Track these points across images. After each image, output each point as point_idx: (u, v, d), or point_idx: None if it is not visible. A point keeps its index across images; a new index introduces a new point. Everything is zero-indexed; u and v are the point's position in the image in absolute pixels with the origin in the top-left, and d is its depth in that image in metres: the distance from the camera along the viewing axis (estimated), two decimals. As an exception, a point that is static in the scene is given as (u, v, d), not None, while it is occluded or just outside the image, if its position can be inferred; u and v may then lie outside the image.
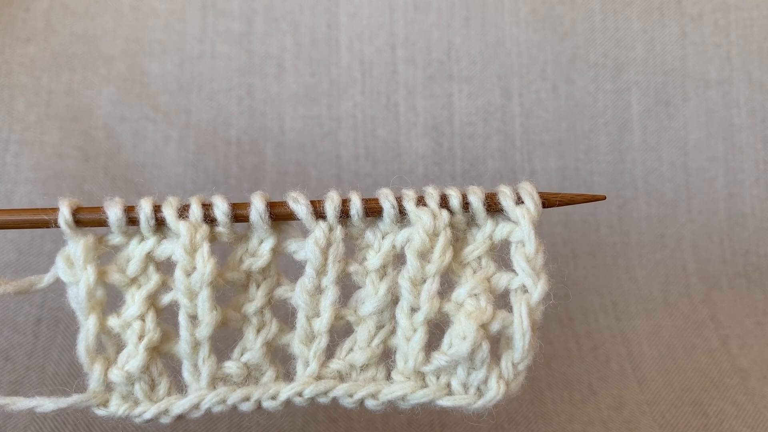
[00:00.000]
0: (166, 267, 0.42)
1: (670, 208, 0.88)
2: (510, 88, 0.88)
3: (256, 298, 0.43)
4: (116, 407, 0.43)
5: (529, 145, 0.87)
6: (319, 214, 0.41)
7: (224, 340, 0.44)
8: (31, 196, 0.80)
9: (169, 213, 0.41)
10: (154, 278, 0.42)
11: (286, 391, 0.43)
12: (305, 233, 0.42)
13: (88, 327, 0.41)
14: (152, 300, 0.42)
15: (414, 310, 0.43)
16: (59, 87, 0.85)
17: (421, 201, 0.42)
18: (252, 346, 0.44)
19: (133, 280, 0.42)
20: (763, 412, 0.75)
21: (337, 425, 0.75)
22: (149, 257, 0.42)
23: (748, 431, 0.73)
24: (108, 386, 0.42)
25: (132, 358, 0.42)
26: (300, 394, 0.43)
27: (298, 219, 0.41)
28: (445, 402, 0.43)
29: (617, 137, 0.88)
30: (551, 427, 0.74)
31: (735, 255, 0.88)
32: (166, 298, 0.42)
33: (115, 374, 0.42)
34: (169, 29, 0.87)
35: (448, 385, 0.44)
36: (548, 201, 0.43)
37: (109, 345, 0.43)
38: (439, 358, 0.43)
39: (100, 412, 0.43)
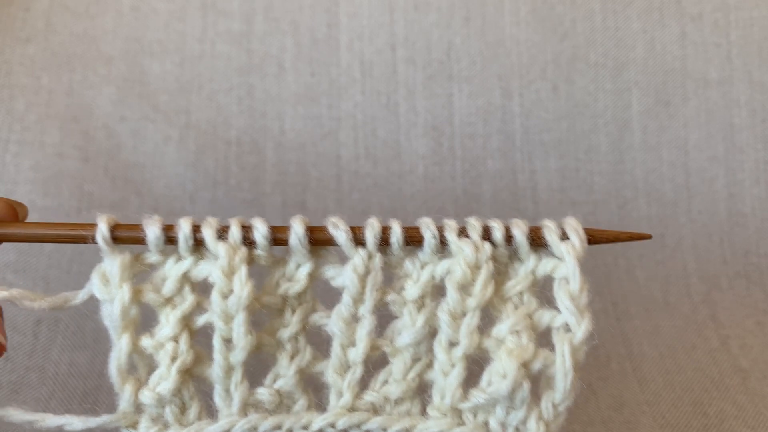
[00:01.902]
0: (201, 288, 0.42)
1: (670, 208, 0.88)
2: (510, 88, 0.88)
3: (291, 323, 0.43)
4: (145, 430, 0.42)
5: (529, 145, 0.87)
6: (358, 240, 0.41)
7: (257, 366, 0.43)
8: (31, 196, 0.80)
9: (208, 234, 0.40)
10: (189, 299, 0.41)
11: (318, 421, 0.42)
12: (343, 260, 0.41)
13: (120, 346, 0.41)
14: (186, 321, 0.42)
15: (453, 344, 0.42)
16: (59, 87, 0.85)
17: (462, 232, 0.41)
18: (285, 373, 0.43)
19: (168, 300, 0.42)
20: (764, 412, 0.75)
21: (337, 425, 0.75)
22: (185, 277, 0.41)
23: (749, 431, 0.73)
24: (138, 408, 0.42)
25: (164, 380, 0.41)
26: (333, 426, 0.42)
27: (337, 245, 0.41)
28: None
29: (617, 137, 0.88)
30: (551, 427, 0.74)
31: (735, 255, 0.88)
32: (200, 320, 0.42)
33: (146, 396, 0.41)
34: (169, 29, 0.87)
35: (486, 423, 0.43)
36: (594, 237, 0.42)
37: (140, 365, 0.42)
38: (477, 396, 0.42)
39: None
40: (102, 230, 0.40)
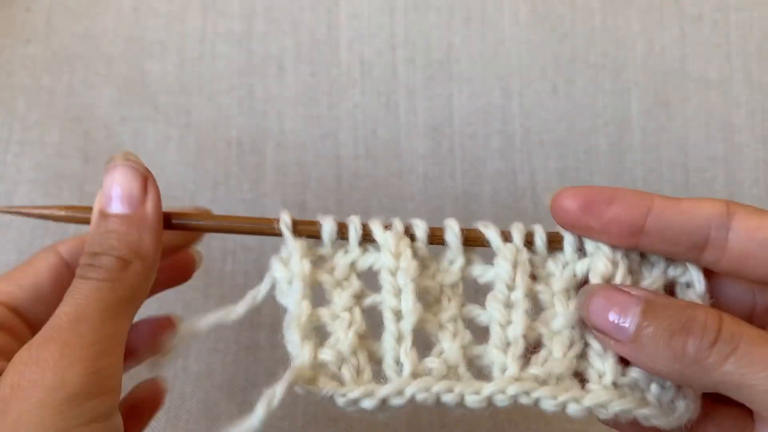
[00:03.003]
0: (365, 278, 0.48)
1: (670, 208, 0.88)
2: (510, 88, 0.88)
3: (450, 308, 0.47)
4: (323, 384, 0.46)
5: (529, 145, 0.87)
6: (506, 239, 0.47)
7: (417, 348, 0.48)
8: (32, 196, 0.80)
9: (376, 227, 0.47)
10: (356, 283, 0.47)
11: (489, 387, 0.45)
12: (487, 261, 0.47)
13: (301, 310, 0.46)
14: (357, 299, 0.47)
15: None
16: (60, 87, 0.85)
17: None
18: (449, 348, 0.47)
19: (338, 283, 0.47)
20: (763, 412, 0.75)
21: (337, 425, 0.75)
22: (352, 267, 0.47)
23: (748, 431, 0.73)
24: (315, 366, 0.46)
25: (342, 341, 0.46)
26: (503, 392, 0.45)
27: (485, 245, 0.47)
28: (644, 411, 0.46)
29: (617, 137, 0.88)
30: (551, 426, 0.75)
31: (735, 255, 0.88)
32: (367, 301, 0.47)
33: (327, 353, 0.46)
34: (170, 30, 0.87)
35: (644, 398, 0.47)
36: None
37: (313, 335, 0.46)
38: (636, 371, 0.46)
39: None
40: (286, 221, 0.47)
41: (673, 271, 0.48)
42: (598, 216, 0.44)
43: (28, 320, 0.48)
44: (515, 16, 0.89)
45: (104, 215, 0.45)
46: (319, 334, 0.47)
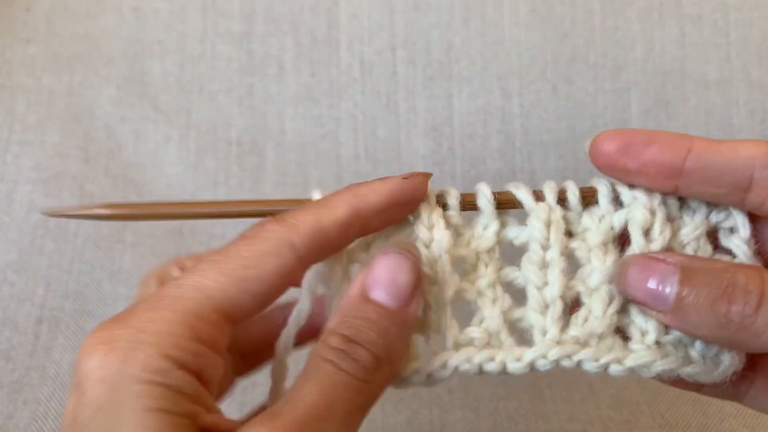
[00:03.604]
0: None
1: (670, 208, 0.89)
2: (510, 88, 0.88)
3: (487, 274, 0.46)
4: None
5: (529, 146, 0.87)
6: (538, 199, 0.46)
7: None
8: (32, 196, 0.80)
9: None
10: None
11: (530, 353, 0.45)
12: (523, 222, 0.46)
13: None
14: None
15: None
16: (60, 87, 0.85)
17: (632, 188, 0.46)
18: (490, 315, 0.46)
19: None
20: (762, 411, 0.75)
21: (337, 425, 0.75)
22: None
23: (747, 431, 0.73)
24: None
25: None
26: (545, 356, 0.44)
27: (517, 207, 0.46)
28: (688, 369, 0.45)
29: (617, 137, 0.88)
30: (551, 426, 0.75)
31: (734, 255, 0.88)
32: None
33: None
34: (170, 30, 0.87)
35: (688, 355, 0.45)
36: None
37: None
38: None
39: None
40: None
41: (715, 217, 0.46)
42: (636, 157, 0.42)
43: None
44: (515, 16, 0.89)
45: (366, 299, 0.41)
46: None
